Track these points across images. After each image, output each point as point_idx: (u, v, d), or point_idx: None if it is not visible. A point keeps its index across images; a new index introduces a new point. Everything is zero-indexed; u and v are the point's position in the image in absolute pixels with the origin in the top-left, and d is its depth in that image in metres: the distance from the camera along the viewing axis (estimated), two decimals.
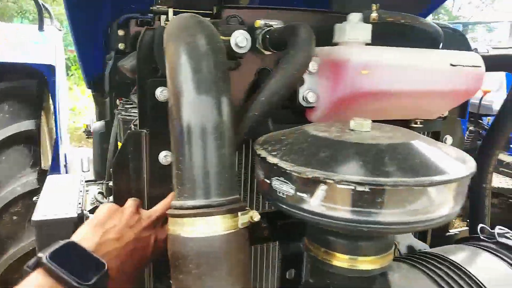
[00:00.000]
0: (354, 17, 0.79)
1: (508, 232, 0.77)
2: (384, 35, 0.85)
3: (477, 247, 0.75)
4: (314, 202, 0.54)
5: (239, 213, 0.54)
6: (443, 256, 0.70)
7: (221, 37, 0.72)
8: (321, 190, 0.53)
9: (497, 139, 0.92)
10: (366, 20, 0.79)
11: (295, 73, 0.65)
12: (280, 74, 0.64)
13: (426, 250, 0.76)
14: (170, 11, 1.13)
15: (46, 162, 2.63)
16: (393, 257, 0.69)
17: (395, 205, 0.53)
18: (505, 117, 0.92)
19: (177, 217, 0.53)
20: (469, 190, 1.00)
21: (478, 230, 0.79)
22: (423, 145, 0.60)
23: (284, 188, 0.57)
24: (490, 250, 0.73)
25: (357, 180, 0.51)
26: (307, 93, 0.79)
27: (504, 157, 3.68)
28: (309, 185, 0.54)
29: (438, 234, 0.95)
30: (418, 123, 0.95)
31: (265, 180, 0.60)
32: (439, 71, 0.80)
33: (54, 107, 2.43)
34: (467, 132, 3.88)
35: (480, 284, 0.64)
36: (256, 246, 0.87)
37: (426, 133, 1.04)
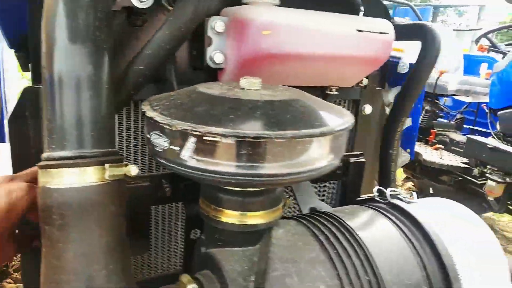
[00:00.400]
0: None
1: (400, 194, 0.80)
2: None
3: (369, 207, 0.78)
4: (185, 155, 0.55)
5: (107, 165, 0.53)
6: (331, 213, 0.73)
7: None
8: (190, 142, 0.53)
9: (403, 107, 0.95)
10: None
11: (181, 26, 0.64)
12: (166, 27, 0.63)
13: (321, 210, 0.79)
14: None
15: None
16: (280, 214, 0.71)
17: (263, 157, 0.54)
18: (410, 87, 0.95)
19: (43, 168, 0.52)
20: (379, 156, 1.04)
21: (374, 192, 0.82)
22: (303, 103, 0.61)
23: (160, 142, 0.57)
24: (378, 209, 0.76)
25: (221, 132, 0.51)
26: (214, 53, 0.79)
27: (456, 136, 3.81)
28: (180, 138, 0.54)
29: (350, 198, 0.98)
30: (334, 90, 0.96)
31: (147, 135, 0.60)
32: (345, 35, 0.81)
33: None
34: (423, 112, 3.98)
35: (358, 238, 0.67)
36: (161, 206, 0.87)
37: (344, 101, 1.06)
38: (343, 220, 0.70)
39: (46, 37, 0.54)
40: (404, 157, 3.86)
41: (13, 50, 1.09)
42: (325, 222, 0.70)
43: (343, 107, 1.07)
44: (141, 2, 0.71)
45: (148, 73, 0.63)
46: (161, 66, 0.65)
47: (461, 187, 3.73)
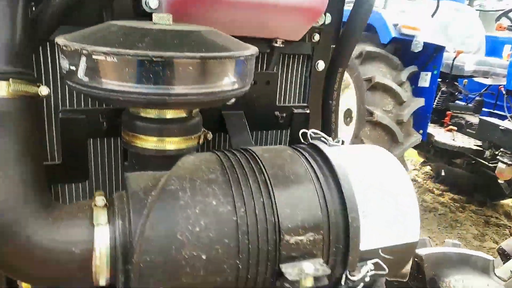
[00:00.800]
0: None
1: (321, 136, 0.84)
2: None
3: (290, 147, 0.82)
4: (80, 74, 0.61)
5: (11, 80, 0.61)
6: (246, 148, 0.78)
7: None
8: (82, 62, 0.60)
9: (340, 59, 0.98)
10: None
11: None
12: None
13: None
14: None
15: None
16: (196, 143, 0.77)
17: (146, 77, 0.60)
18: (346, 39, 0.97)
19: None
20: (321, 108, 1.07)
21: (299, 135, 0.86)
22: (208, 35, 0.66)
23: (64, 64, 0.64)
24: (296, 147, 0.81)
25: (104, 51, 0.57)
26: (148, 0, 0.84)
27: (472, 118, 3.70)
28: (75, 58, 0.61)
29: None
30: (279, 42, 1.00)
31: (58, 61, 0.67)
32: None
33: None
34: (439, 93, 3.88)
35: (260, 165, 0.71)
36: (99, 139, 0.94)
37: (295, 56, 1.09)
38: (254, 152, 0.75)
39: None
40: (414, 138, 3.80)
41: None
42: (235, 152, 0.76)
43: (296, 62, 1.11)
44: None
45: (64, 5, 0.70)
46: (78, 2, 0.72)
47: (474, 170, 3.63)
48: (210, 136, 0.84)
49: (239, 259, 0.66)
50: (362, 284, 0.75)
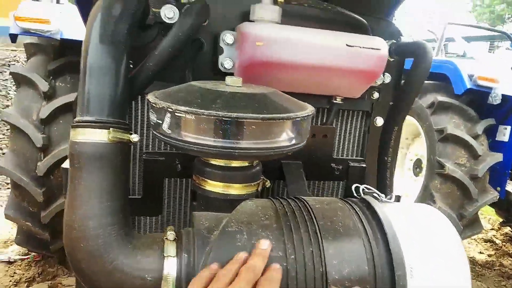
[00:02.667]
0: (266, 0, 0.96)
1: (374, 192, 0.88)
2: (314, 19, 1.01)
3: (340, 199, 0.87)
4: (165, 127, 0.74)
5: (111, 129, 0.75)
6: (300, 197, 0.85)
7: (153, 9, 0.93)
8: (167, 117, 0.73)
9: (395, 118, 1.01)
10: (274, 2, 0.95)
11: (180, 34, 0.84)
12: (169, 35, 0.85)
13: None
14: None
15: None
16: (256, 190, 0.86)
17: (217, 134, 0.71)
18: (401, 98, 1.01)
19: (72, 127, 0.76)
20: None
21: (353, 189, 0.91)
22: (272, 96, 0.77)
23: (152, 118, 0.77)
24: (348, 202, 0.86)
25: (184, 110, 0.70)
26: (224, 60, 0.98)
27: None
28: (161, 113, 0.74)
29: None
30: (338, 99, 1.08)
31: (147, 113, 0.81)
32: (334, 49, 0.94)
33: None
34: None
35: (312, 215, 0.78)
36: (173, 179, 1.06)
37: (354, 112, 1.16)
38: (305, 201, 0.82)
39: (85, 39, 0.79)
40: (491, 195, 3.58)
41: None
42: (289, 201, 0.83)
43: (354, 117, 1.17)
44: (169, 18, 0.94)
45: (156, 68, 0.85)
46: (166, 64, 0.86)
47: None
48: (268, 184, 0.93)
49: None
50: None
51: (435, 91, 3.49)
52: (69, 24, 2.55)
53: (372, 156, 1.17)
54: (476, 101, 3.45)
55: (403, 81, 1.01)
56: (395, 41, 1.08)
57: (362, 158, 1.09)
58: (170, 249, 0.75)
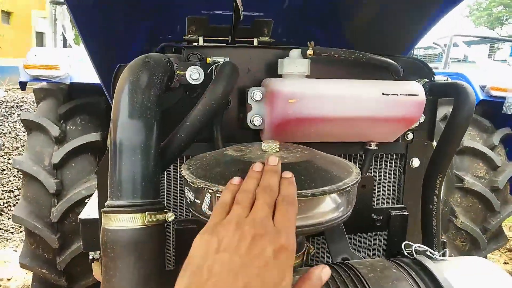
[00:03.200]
0: (294, 53, 0.91)
1: (427, 250, 0.82)
2: (344, 68, 0.97)
3: (392, 261, 0.81)
4: (204, 207, 0.69)
5: (147, 213, 0.70)
6: (349, 263, 0.79)
7: (178, 71, 0.89)
8: (206, 197, 0.68)
9: (439, 164, 0.96)
10: (304, 55, 0.91)
11: (212, 102, 0.79)
12: (201, 103, 0.80)
13: (349, 261, 0.84)
14: (201, 39, 1.34)
15: None
16: (300, 261, 0.79)
17: None
18: (445, 143, 0.95)
19: (105, 213, 0.71)
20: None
21: (403, 247, 0.85)
22: (313, 164, 0.71)
23: (188, 195, 0.72)
24: (400, 262, 0.79)
25: None
26: (253, 117, 0.93)
27: None
28: (200, 193, 0.69)
29: (392, 250, 1.00)
30: (373, 145, 1.02)
31: (183, 189, 0.76)
32: (370, 99, 0.89)
33: None
34: None
35: (366, 285, 0.72)
36: None
37: (388, 155, 1.10)
38: (359, 271, 0.76)
39: (113, 112, 0.75)
40: None
41: None
42: (338, 270, 0.77)
43: (389, 162, 1.12)
44: (194, 79, 0.90)
45: (187, 139, 0.80)
46: (198, 134, 0.81)
47: None
48: (312, 251, 0.87)
49: None
50: None
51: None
52: (78, 67, 2.54)
53: (412, 201, 1.11)
54: (490, 111, 3.39)
55: (446, 125, 0.96)
56: (427, 80, 1.03)
57: (403, 206, 1.03)
58: None
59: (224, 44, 1.00)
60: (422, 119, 1.06)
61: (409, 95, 0.90)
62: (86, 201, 2.34)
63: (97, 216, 1.22)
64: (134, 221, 0.69)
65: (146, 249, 0.70)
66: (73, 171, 2.55)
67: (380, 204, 1.09)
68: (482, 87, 3.22)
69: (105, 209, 0.71)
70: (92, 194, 2.45)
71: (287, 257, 0.54)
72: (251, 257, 0.52)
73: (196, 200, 0.70)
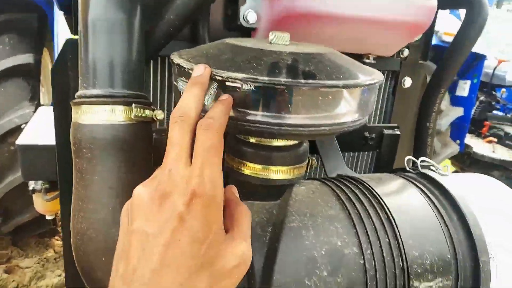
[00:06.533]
0: None
1: (433, 165, 0.77)
2: None
3: (397, 175, 0.76)
4: (208, 100, 0.56)
5: (134, 106, 0.56)
6: (356, 177, 0.72)
7: None
8: (212, 87, 0.54)
9: (442, 79, 0.91)
10: None
11: None
12: None
13: (349, 175, 0.77)
14: None
15: (46, 100, 2.69)
16: (304, 171, 0.71)
17: (283, 106, 0.54)
18: (451, 57, 0.90)
19: (76, 104, 0.56)
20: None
21: (405, 162, 0.79)
22: (331, 57, 0.60)
23: (182, 86, 0.58)
24: (407, 177, 0.74)
25: (241, 78, 0.52)
26: (247, 12, 0.79)
27: (509, 129, 3.58)
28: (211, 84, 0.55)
29: (383, 170, 0.96)
30: (371, 58, 0.94)
31: (175, 83, 0.62)
32: None
33: (53, 43, 2.47)
34: (477, 103, 3.77)
35: (380, 200, 0.65)
36: None
37: (382, 72, 1.03)
38: (367, 183, 0.69)
39: None
40: (452, 148, 3.70)
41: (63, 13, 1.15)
42: (348, 184, 0.69)
43: (389, 79, 1.04)
44: None
45: (178, 23, 0.64)
46: (191, 19, 0.66)
47: None
48: (315, 163, 0.78)
49: None
50: None
51: None
52: None
53: (402, 122, 1.06)
54: (439, 57, 3.47)
55: (455, 38, 0.89)
56: None
57: (396, 125, 0.97)
58: None
59: None
60: (418, 36, 0.98)
61: None
62: (22, 126, 2.08)
63: (37, 142, 1.04)
64: (118, 114, 0.55)
65: (133, 151, 0.56)
66: (1, 97, 2.23)
67: (372, 123, 1.02)
68: (435, 32, 3.26)
69: (77, 100, 0.56)
70: (27, 122, 2.18)
71: (203, 204, 0.43)
72: (162, 223, 0.42)
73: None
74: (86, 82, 0.56)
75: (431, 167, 0.78)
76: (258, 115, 0.55)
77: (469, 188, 0.74)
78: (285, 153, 0.68)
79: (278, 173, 0.68)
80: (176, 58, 0.59)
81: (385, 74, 1.03)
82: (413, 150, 0.97)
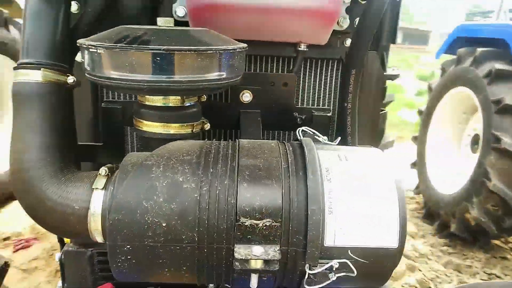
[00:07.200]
0: None
1: (314, 134, 0.84)
2: None
3: (279, 142, 0.85)
4: (85, 64, 0.78)
5: (42, 69, 0.80)
6: (238, 140, 0.84)
7: None
8: (86, 54, 0.76)
9: (352, 60, 0.94)
10: None
11: None
12: None
13: None
14: None
15: None
16: (193, 130, 0.87)
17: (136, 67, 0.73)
18: (357, 38, 0.93)
19: (14, 69, 0.83)
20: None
21: (298, 132, 0.87)
22: (200, 35, 0.77)
23: (82, 58, 0.81)
24: (284, 143, 0.83)
25: (94, 44, 0.72)
26: (177, 7, 0.99)
27: None
28: (84, 51, 0.78)
29: None
30: (303, 46, 1.04)
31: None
32: None
33: None
34: None
35: (235, 154, 0.78)
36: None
37: (329, 60, 1.10)
38: (239, 142, 0.81)
39: None
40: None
41: None
42: (224, 142, 0.82)
43: (324, 66, 1.12)
44: None
45: (95, 16, 0.88)
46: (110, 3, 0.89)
47: None
48: (207, 126, 0.93)
49: (196, 232, 0.72)
50: (328, 281, 0.73)
51: (492, 58, 3.16)
52: None
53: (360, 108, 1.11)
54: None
55: (358, 22, 0.94)
56: None
57: (327, 107, 1.04)
58: (99, 182, 0.79)
59: None
60: (346, 22, 1.03)
61: None
62: None
63: None
64: (35, 76, 0.80)
65: (44, 102, 0.81)
66: None
67: (307, 106, 1.10)
68: None
69: (15, 66, 0.83)
70: None
71: None
72: None
73: (83, 60, 0.80)
74: (22, 54, 0.83)
75: (316, 137, 0.85)
76: (119, 75, 0.75)
77: (337, 156, 0.79)
78: (171, 112, 0.86)
79: (164, 129, 0.86)
80: (80, 40, 0.83)
81: (330, 62, 1.10)
82: (335, 128, 1.02)
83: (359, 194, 0.74)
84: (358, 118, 1.03)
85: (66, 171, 0.83)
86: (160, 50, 0.71)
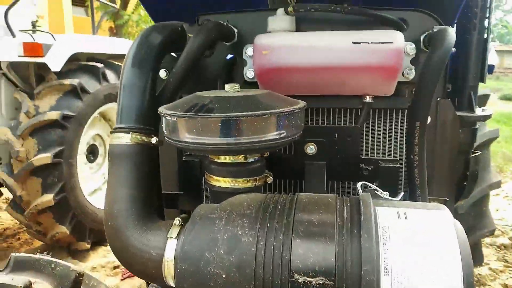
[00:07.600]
0: (279, 11, 1.04)
1: (377, 190, 0.84)
2: (336, 21, 1.05)
3: (340, 197, 0.86)
4: (164, 130, 0.90)
5: (131, 133, 0.94)
6: (298, 193, 0.88)
7: (189, 34, 1.12)
8: (163, 120, 0.89)
9: (416, 112, 0.91)
10: (286, 12, 1.02)
11: (190, 53, 0.99)
12: (183, 54, 1.01)
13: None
14: None
15: None
16: (255, 184, 0.93)
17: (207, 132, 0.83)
18: (421, 90, 0.90)
19: (111, 132, 0.99)
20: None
21: (358, 187, 0.88)
22: (261, 97, 0.85)
23: (162, 123, 0.94)
24: (342, 198, 0.84)
25: (169, 113, 0.84)
26: (247, 71, 1.09)
27: None
28: (162, 118, 0.90)
29: None
30: (368, 98, 1.05)
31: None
32: (339, 49, 0.94)
33: None
34: None
35: (293, 209, 0.81)
36: None
37: (392, 110, 1.09)
38: (297, 196, 0.85)
39: (124, 60, 1.02)
40: None
41: None
42: (283, 196, 0.87)
43: (389, 116, 1.11)
44: None
45: (177, 82, 1.01)
46: (184, 78, 1.02)
47: None
48: (270, 180, 0.97)
49: (253, 285, 0.76)
50: None
51: None
52: None
53: (431, 157, 1.08)
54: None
55: (420, 73, 0.92)
56: (429, 32, 1.00)
57: (395, 159, 1.02)
58: (173, 231, 0.89)
59: (233, 10, 1.16)
60: (411, 73, 1.02)
61: (381, 43, 0.92)
62: None
63: None
64: (125, 139, 0.95)
65: (131, 160, 0.95)
66: None
67: (373, 156, 1.09)
68: None
69: (111, 131, 0.99)
70: None
71: None
72: None
73: (162, 125, 0.92)
74: (116, 121, 0.99)
75: (377, 192, 0.85)
76: (189, 138, 0.86)
77: (396, 214, 0.78)
78: (233, 168, 0.94)
79: (229, 183, 0.94)
80: (160, 108, 0.96)
81: (393, 112, 1.09)
82: (405, 180, 0.98)
83: (417, 255, 0.72)
84: (434, 168, 1.00)
85: (148, 220, 0.94)
86: (220, 117, 0.80)
